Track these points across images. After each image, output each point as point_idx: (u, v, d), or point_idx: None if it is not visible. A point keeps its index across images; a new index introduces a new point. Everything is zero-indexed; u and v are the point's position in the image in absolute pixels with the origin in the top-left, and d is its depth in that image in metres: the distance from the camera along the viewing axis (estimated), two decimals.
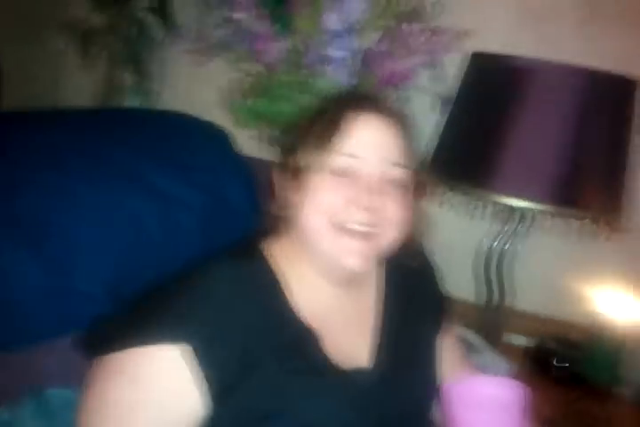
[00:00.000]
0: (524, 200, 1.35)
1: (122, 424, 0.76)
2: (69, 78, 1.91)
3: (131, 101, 1.77)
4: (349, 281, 0.95)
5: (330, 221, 0.87)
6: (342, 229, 0.87)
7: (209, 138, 1.23)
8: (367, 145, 0.89)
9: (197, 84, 1.74)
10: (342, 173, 0.88)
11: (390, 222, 0.89)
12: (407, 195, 0.92)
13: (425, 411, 0.96)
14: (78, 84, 1.86)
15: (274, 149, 1.56)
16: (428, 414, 0.97)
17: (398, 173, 0.90)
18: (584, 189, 1.37)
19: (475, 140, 1.45)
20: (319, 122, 0.91)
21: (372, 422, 0.86)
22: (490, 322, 1.61)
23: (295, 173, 0.90)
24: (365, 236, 0.87)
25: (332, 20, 1.49)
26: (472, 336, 1.49)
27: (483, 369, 1.27)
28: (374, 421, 0.86)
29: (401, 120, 0.94)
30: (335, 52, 1.51)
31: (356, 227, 0.86)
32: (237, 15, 1.53)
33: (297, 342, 0.86)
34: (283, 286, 0.90)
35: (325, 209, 0.87)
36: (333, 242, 0.87)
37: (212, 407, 0.79)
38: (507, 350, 1.54)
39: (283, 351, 0.84)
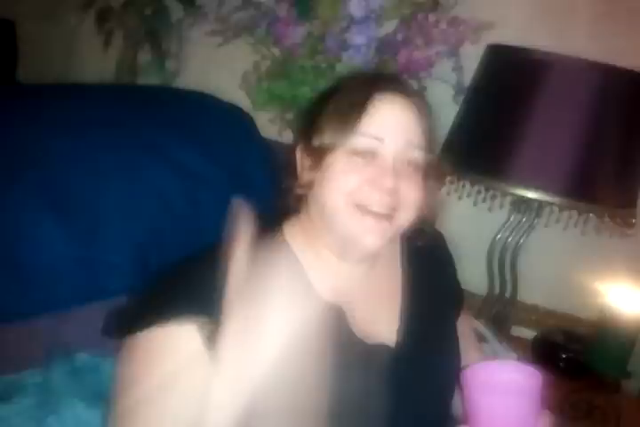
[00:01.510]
0: (537, 192, 1.37)
1: (154, 400, 0.77)
2: (85, 56, 1.93)
3: (147, 80, 1.77)
4: (366, 260, 0.97)
5: (349, 200, 0.89)
6: (361, 208, 0.89)
7: (232, 119, 1.26)
8: (390, 127, 0.90)
9: (215, 66, 1.76)
10: (363, 154, 0.89)
11: (408, 204, 0.91)
12: (425, 178, 0.94)
13: (447, 392, 0.97)
14: (96, 62, 1.87)
15: (291, 132, 1.57)
16: (450, 396, 0.98)
17: (419, 155, 0.92)
18: (598, 183, 1.39)
19: (490, 130, 1.47)
20: (339, 102, 0.92)
21: (395, 397, 0.88)
22: (498, 314, 1.63)
23: (316, 152, 0.92)
24: (384, 216, 0.89)
25: (353, 6, 1.51)
26: (481, 327, 1.50)
27: (491, 359, 1.28)
28: (398, 396, 0.88)
29: (423, 103, 0.96)
30: (354, 37, 1.53)
31: (375, 208, 0.88)
32: None
33: (320, 320, 0.86)
34: (303, 264, 0.92)
35: (346, 189, 0.89)
36: (352, 221, 0.89)
37: None
38: (514, 342, 1.55)
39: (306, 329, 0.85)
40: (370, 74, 1.03)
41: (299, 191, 0.95)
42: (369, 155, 0.89)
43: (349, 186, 0.88)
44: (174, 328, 0.79)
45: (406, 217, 0.91)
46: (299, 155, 0.96)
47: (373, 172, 0.88)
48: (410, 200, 0.90)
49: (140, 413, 0.77)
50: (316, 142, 0.91)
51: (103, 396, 0.84)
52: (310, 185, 0.93)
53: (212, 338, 0.78)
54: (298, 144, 0.97)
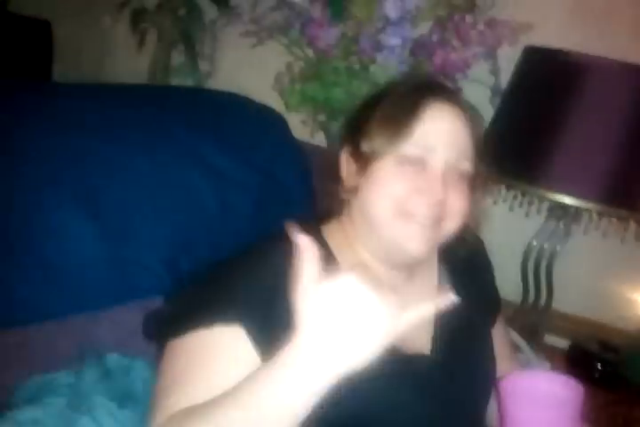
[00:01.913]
0: (575, 198, 1.35)
1: (206, 402, 0.75)
2: (119, 56, 1.95)
3: (180, 81, 1.78)
4: (408, 267, 0.96)
5: (396, 208, 0.88)
6: (407, 216, 0.88)
7: (266, 121, 1.26)
8: (439, 135, 0.89)
9: (249, 67, 1.76)
10: (411, 162, 0.88)
11: (454, 214, 0.90)
12: (472, 188, 0.93)
13: (483, 401, 0.95)
14: (129, 62, 1.89)
15: (323, 134, 1.57)
16: (486, 406, 0.96)
17: (467, 165, 0.91)
18: (636, 190, 1.35)
19: (527, 134, 1.45)
20: (390, 108, 0.91)
21: (430, 408, 0.86)
22: (532, 322, 1.60)
23: (364, 157, 0.91)
24: (429, 225, 0.88)
25: (388, 7, 1.50)
26: (514, 335, 1.48)
27: (524, 368, 1.26)
28: (433, 407, 0.86)
29: (474, 113, 0.95)
30: (389, 39, 1.51)
31: (421, 219, 0.87)
32: None
33: None
34: (341, 268, 0.89)
35: (392, 196, 0.88)
36: (397, 227, 0.88)
37: None
38: (547, 351, 1.52)
39: None
40: (419, 80, 1.02)
41: (343, 196, 0.94)
42: (418, 163, 0.88)
43: (396, 193, 0.87)
44: (222, 330, 0.79)
45: (451, 227, 0.91)
46: (344, 159, 0.96)
47: (422, 181, 0.87)
48: (456, 211, 0.89)
49: (191, 414, 0.76)
50: (363, 148, 0.91)
51: (134, 397, 0.85)
52: (355, 190, 0.92)
53: (259, 341, 0.79)
54: (344, 148, 0.96)
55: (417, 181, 0.87)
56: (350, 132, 0.96)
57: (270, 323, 0.79)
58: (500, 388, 0.81)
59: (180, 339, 0.80)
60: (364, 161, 0.90)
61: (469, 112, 0.93)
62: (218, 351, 0.79)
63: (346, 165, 0.95)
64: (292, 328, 0.80)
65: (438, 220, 0.88)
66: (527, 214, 1.54)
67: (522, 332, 1.53)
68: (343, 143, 0.97)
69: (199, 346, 0.79)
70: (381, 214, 0.88)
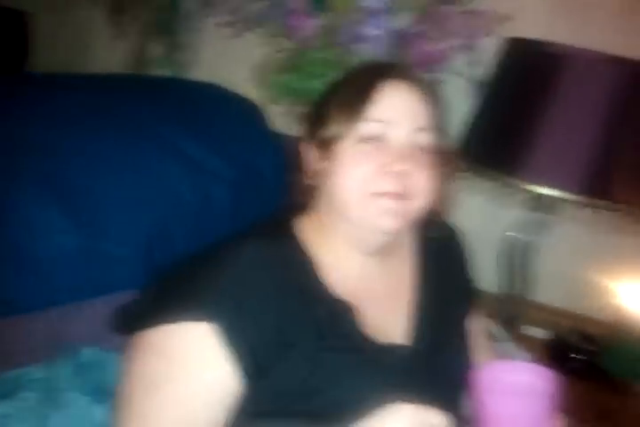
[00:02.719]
0: (552, 189, 1.35)
1: (151, 397, 0.78)
2: (99, 47, 1.93)
3: (158, 72, 1.77)
4: (380, 249, 0.96)
5: (362, 189, 0.88)
6: (375, 195, 0.88)
7: (243, 112, 1.25)
8: (395, 111, 0.90)
9: (229, 58, 1.75)
10: (372, 140, 0.89)
11: (420, 189, 0.90)
12: (435, 164, 0.93)
13: (459, 391, 0.96)
14: (107, 53, 1.88)
15: (301, 124, 1.56)
16: (461, 395, 0.97)
17: (427, 139, 0.91)
18: (614, 181, 1.37)
19: (506, 126, 1.46)
20: (346, 90, 0.92)
21: (406, 397, 0.86)
22: (509, 313, 1.61)
23: (325, 143, 0.91)
24: (398, 195, 0.88)
25: None
26: (492, 326, 1.49)
27: (503, 359, 1.27)
28: (409, 396, 0.87)
29: (428, 87, 0.95)
30: (369, 30, 1.51)
31: (389, 195, 0.88)
32: None
33: (333, 318, 0.87)
34: (314, 261, 0.91)
35: (357, 178, 0.88)
36: (366, 206, 0.88)
37: (247, 385, 0.81)
38: (526, 342, 1.54)
39: (319, 328, 0.85)
40: (375, 63, 1.03)
41: (308, 183, 0.95)
42: (377, 141, 0.89)
43: (361, 174, 0.88)
44: (189, 326, 0.79)
45: (420, 200, 0.91)
46: (306, 146, 0.96)
47: (383, 157, 0.88)
48: (421, 185, 0.90)
49: (155, 410, 0.77)
50: (323, 133, 0.91)
51: (108, 391, 0.84)
52: (320, 176, 0.93)
53: (229, 337, 0.79)
54: (305, 136, 0.96)
55: (379, 158, 0.88)
56: (311, 120, 0.96)
57: (241, 319, 0.79)
58: (474, 377, 0.81)
59: (149, 333, 0.80)
60: (325, 146, 0.91)
61: (426, 88, 0.93)
62: (187, 351, 0.79)
63: (308, 152, 0.95)
64: (265, 325, 0.81)
65: (406, 194, 0.88)
66: (505, 205, 1.55)
67: (501, 323, 1.54)
68: (305, 131, 0.97)
69: (168, 344, 0.79)
70: (349, 196, 0.89)
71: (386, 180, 0.87)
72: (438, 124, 0.94)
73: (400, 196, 0.88)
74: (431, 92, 0.94)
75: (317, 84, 1.50)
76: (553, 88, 1.36)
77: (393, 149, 0.88)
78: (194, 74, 1.79)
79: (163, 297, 0.83)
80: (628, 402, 1.43)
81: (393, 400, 0.84)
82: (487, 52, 1.54)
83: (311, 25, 1.51)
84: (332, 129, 0.90)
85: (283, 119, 1.54)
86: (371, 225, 0.90)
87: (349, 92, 0.91)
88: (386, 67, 0.96)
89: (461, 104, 1.54)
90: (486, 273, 1.56)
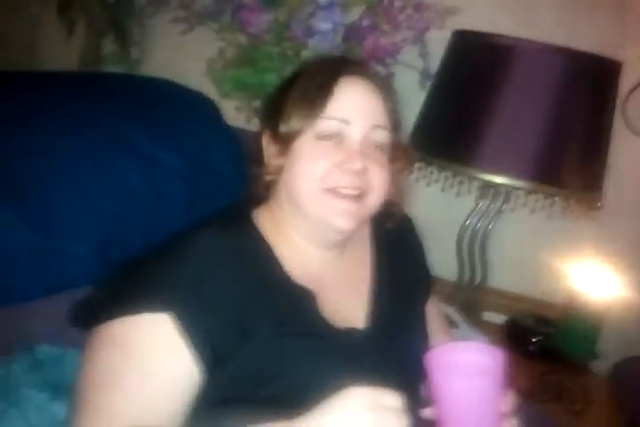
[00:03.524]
0: (503, 177, 1.39)
1: (110, 389, 0.78)
2: (48, 44, 1.90)
3: (111, 69, 1.76)
4: (338, 244, 0.98)
5: (319, 185, 0.89)
6: (332, 192, 0.90)
7: (197, 107, 1.26)
8: (355, 109, 0.91)
9: (182, 53, 1.75)
10: (329, 137, 0.90)
11: (377, 185, 0.92)
12: (391, 158, 0.95)
13: (417, 375, 0.99)
14: (56, 50, 1.86)
15: (259, 118, 1.57)
16: (420, 379, 1.00)
17: (385, 137, 0.93)
18: (563, 168, 1.42)
19: (456, 116, 1.49)
20: (304, 86, 0.93)
21: (364, 381, 0.88)
22: (468, 299, 1.65)
23: (283, 138, 0.92)
24: (354, 197, 0.90)
25: None
26: (451, 312, 1.53)
27: (461, 341, 1.30)
28: (366, 380, 0.89)
29: (386, 86, 0.97)
30: (320, 24, 1.53)
31: (345, 190, 0.89)
32: None
33: (292, 304, 0.88)
34: (272, 251, 0.92)
35: (315, 174, 0.90)
36: (323, 204, 0.90)
37: (207, 374, 0.81)
38: (485, 327, 1.58)
39: (279, 315, 0.86)
40: (333, 58, 1.04)
41: (267, 178, 0.95)
42: (335, 138, 0.90)
43: (318, 171, 0.89)
44: (147, 318, 0.79)
45: (375, 198, 0.93)
46: (265, 141, 0.96)
47: (341, 155, 0.89)
48: (378, 181, 0.92)
49: (114, 403, 0.77)
50: (282, 128, 0.92)
51: (66, 387, 0.84)
52: (278, 171, 0.93)
53: (187, 328, 0.79)
54: (263, 131, 0.97)
55: (336, 156, 0.89)
56: (268, 115, 0.97)
57: (199, 308, 0.80)
58: (426, 358, 0.84)
59: (107, 326, 0.80)
60: (283, 142, 0.92)
61: (382, 85, 0.95)
62: (145, 342, 0.79)
63: (267, 147, 0.96)
64: (223, 313, 0.82)
65: (361, 192, 0.90)
66: (458, 194, 1.59)
67: (459, 308, 1.58)
68: (262, 126, 0.98)
69: (126, 336, 0.79)
70: (306, 193, 0.90)
71: (343, 177, 0.89)
72: (394, 119, 0.96)
73: (356, 197, 0.90)
74: (387, 88, 0.96)
75: (271, 78, 1.52)
76: (501, 78, 1.40)
77: (350, 146, 0.90)
78: (147, 70, 1.78)
79: (119, 290, 0.84)
80: (583, 381, 1.48)
81: (351, 384, 0.86)
82: (437, 44, 1.57)
83: (263, 19, 1.52)
84: (289, 125, 0.91)
85: (237, 113, 1.56)
86: (326, 223, 0.91)
87: (307, 88, 0.92)
88: (342, 63, 0.96)
89: (413, 96, 1.57)
90: (444, 261, 1.61)
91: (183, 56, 1.73)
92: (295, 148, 0.91)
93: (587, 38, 1.50)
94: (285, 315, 0.87)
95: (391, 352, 0.95)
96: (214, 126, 1.26)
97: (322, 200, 0.89)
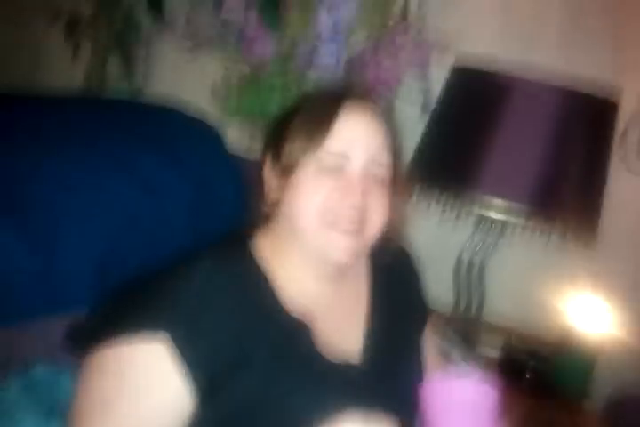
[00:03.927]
0: (499, 210, 1.41)
1: (103, 416, 0.78)
2: (53, 66, 1.92)
3: (115, 92, 1.78)
4: (335, 276, 0.99)
5: (318, 218, 0.90)
6: (330, 225, 0.90)
7: (201, 134, 1.28)
8: (352, 143, 0.92)
9: (185, 79, 1.78)
10: (329, 171, 0.91)
11: (376, 220, 0.93)
12: (390, 193, 0.96)
13: (412, 407, 0.99)
14: (61, 71, 1.88)
15: (260, 146, 1.60)
16: (414, 412, 1.00)
17: (384, 171, 0.95)
18: (560, 203, 1.44)
19: (453, 150, 1.52)
20: (305, 118, 0.94)
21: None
22: (463, 332, 1.65)
23: (282, 170, 0.93)
24: (352, 231, 0.91)
25: (321, 25, 1.54)
26: (446, 345, 1.52)
27: (456, 374, 1.29)
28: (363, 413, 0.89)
29: (385, 118, 0.98)
30: (323, 57, 1.55)
31: (344, 224, 0.90)
32: (227, 14, 1.56)
33: (288, 336, 0.89)
34: (270, 280, 0.93)
35: (314, 207, 0.90)
36: (321, 237, 0.91)
37: (200, 402, 0.81)
38: (478, 358, 1.58)
39: (273, 346, 0.86)
40: (333, 91, 1.05)
41: (267, 208, 0.96)
42: (335, 172, 0.91)
43: (318, 204, 0.90)
44: (142, 343, 0.79)
45: (374, 232, 0.94)
46: (266, 172, 0.97)
47: (341, 189, 0.90)
48: (377, 216, 0.93)
49: None
50: (282, 160, 0.93)
51: (61, 410, 0.83)
52: (278, 202, 0.94)
53: (183, 355, 0.79)
54: (264, 161, 0.98)
55: (336, 189, 0.90)
56: (269, 145, 0.98)
57: (195, 335, 0.80)
58: (420, 393, 0.84)
59: (101, 350, 0.80)
60: (284, 173, 0.93)
61: (383, 119, 0.96)
62: (139, 368, 0.79)
63: (267, 178, 0.97)
64: (219, 341, 0.82)
65: (360, 225, 0.91)
66: (457, 224, 1.60)
67: (454, 341, 1.58)
68: (263, 157, 0.98)
69: (120, 361, 0.80)
70: (305, 225, 0.91)
71: (342, 211, 0.90)
72: (394, 153, 0.97)
73: (354, 231, 0.91)
74: (387, 122, 0.97)
75: (273, 107, 1.54)
76: (497, 114, 1.43)
77: (350, 180, 0.91)
78: (150, 95, 1.81)
79: (115, 314, 0.84)
80: (576, 418, 1.48)
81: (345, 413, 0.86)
82: (437, 78, 1.61)
83: (266, 49, 1.55)
84: (290, 158, 0.92)
85: (239, 140, 1.58)
86: (324, 256, 0.92)
87: (307, 121, 0.92)
88: (343, 95, 0.97)
89: (412, 129, 1.60)
90: (441, 292, 1.61)
91: (187, 82, 1.76)
92: (295, 180, 0.92)
93: (585, 68, 1.54)
94: (280, 347, 0.87)
95: (386, 385, 0.96)
96: (216, 153, 1.28)
97: (320, 233, 0.90)
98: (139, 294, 0.85)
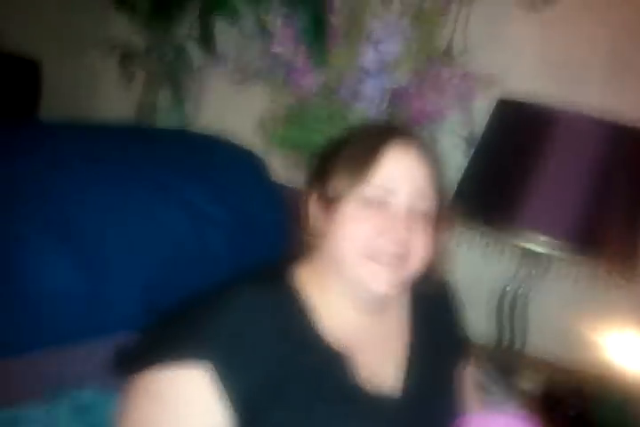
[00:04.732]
0: (544, 245, 1.40)
1: None
2: (107, 96, 2.00)
3: (165, 122, 1.84)
4: (376, 308, 1.00)
5: (361, 251, 0.92)
6: (373, 258, 0.92)
7: (245, 163, 1.31)
8: (401, 178, 0.94)
9: (233, 110, 1.83)
10: (374, 204, 0.93)
11: (418, 254, 0.94)
12: (434, 226, 0.97)
13: None
14: (114, 102, 1.96)
15: (303, 178, 1.63)
16: None
17: (429, 206, 0.96)
18: (601, 238, 1.43)
19: (498, 183, 1.52)
20: (352, 151, 0.96)
21: None
22: (502, 365, 1.63)
23: (328, 201, 0.96)
24: (395, 264, 0.92)
25: (367, 59, 1.58)
26: (484, 377, 1.51)
27: (495, 409, 1.28)
28: None
29: (431, 153, 1.00)
30: (367, 89, 1.59)
31: (386, 258, 0.92)
32: (277, 48, 1.61)
33: (326, 366, 0.90)
34: (309, 311, 0.94)
35: (357, 240, 0.92)
36: (364, 270, 0.92)
37: None
38: (519, 394, 1.56)
39: (312, 377, 0.87)
40: (381, 125, 1.07)
41: (309, 240, 0.99)
42: (380, 205, 0.93)
43: (361, 237, 0.92)
44: (184, 371, 0.81)
45: (415, 266, 0.95)
46: (310, 203, 1.00)
47: (385, 222, 0.92)
48: (419, 250, 0.94)
49: None
50: (327, 192, 0.95)
51: None
52: (322, 233, 0.96)
53: (224, 383, 0.81)
54: (309, 192, 1.00)
55: (380, 223, 0.92)
56: (315, 177, 1.00)
57: (236, 364, 0.82)
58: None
59: (145, 375, 0.82)
60: (328, 205, 0.95)
61: (428, 153, 0.98)
62: (180, 395, 0.81)
63: (312, 208, 0.99)
64: (259, 371, 0.84)
65: (402, 259, 0.92)
66: (500, 259, 1.60)
67: (493, 375, 1.56)
68: (309, 188, 1.01)
69: (162, 387, 0.81)
70: (347, 257, 0.92)
71: (385, 244, 0.91)
72: (439, 188, 0.98)
73: (397, 264, 0.92)
74: (432, 157, 0.99)
75: (317, 138, 1.57)
76: (542, 148, 1.43)
77: (394, 214, 0.92)
78: (199, 123, 1.87)
79: (160, 340, 0.86)
80: None
81: None
82: (481, 111, 1.62)
83: (313, 82, 1.59)
84: (335, 190, 0.94)
85: (283, 170, 1.61)
86: (364, 287, 0.93)
87: (354, 155, 0.95)
88: (390, 131, 0.99)
89: (456, 161, 1.61)
90: (480, 325, 1.60)
91: (235, 113, 1.80)
92: (340, 211, 0.94)
93: (629, 106, 1.53)
94: (319, 378, 0.88)
95: (422, 419, 0.96)
96: (259, 182, 1.31)
97: (363, 265, 0.92)
98: (182, 321, 0.87)
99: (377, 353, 0.98)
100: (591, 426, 1.51)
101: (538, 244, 1.40)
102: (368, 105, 1.56)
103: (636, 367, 1.39)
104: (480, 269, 1.71)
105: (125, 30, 1.86)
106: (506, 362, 1.64)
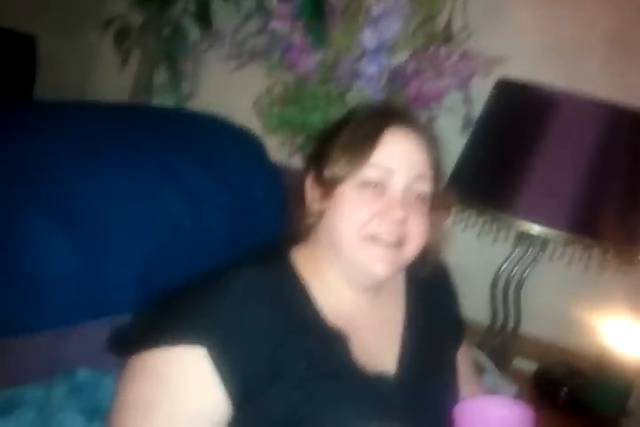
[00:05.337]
0: (541, 227, 1.40)
1: (142, 421, 0.80)
2: (102, 73, 1.98)
3: (161, 100, 1.82)
4: (373, 289, 1.00)
5: (360, 232, 0.92)
6: (371, 239, 0.92)
7: (243, 143, 1.30)
8: (397, 159, 0.94)
9: (229, 89, 1.81)
10: (371, 185, 0.93)
11: (416, 235, 0.95)
12: (431, 208, 0.98)
13: (443, 423, 0.99)
14: (110, 79, 1.94)
15: (300, 157, 1.62)
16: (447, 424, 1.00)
17: (425, 187, 0.96)
18: (601, 220, 1.42)
19: (496, 163, 1.52)
20: (351, 134, 0.96)
21: (392, 425, 0.90)
22: (499, 345, 1.65)
23: (327, 182, 0.96)
24: (392, 245, 0.93)
25: (366, 37, 1.56)
26: (481, 358, 1.52)
27: (490, 391, 1.30)
28: (395, 425, 0.90)
29: (429, 135, 1.00)
30: (366, 67, 1.57)
31: (385, 239, 0.92)
32: (274, 25, 1.58)
33: (324, 346, 0.90)
34: (308, 291, 0.95)
35: (356, 221, 0.92)
36: (361, 250, 0.93)
37: (237, 411, 0.83)
38: (514, 375, 1.57)
39: (310, 356, 0.88)
40: (381, 107, 1.07)
41: (308, 221, 0.99)
42: (378, 186, 0.93)
43: (359, 218, 0.92)
44: (182, 350, 0.82)
45: (414, 247, 0.95)
46: (309, 184, 1.00)
47: (383, 203, 0.92)
48: (417, 231, 0.94)
49: None
50: (326, 173, 0.95)
51: (103, 412, 0.86)
52: (320, 215, 0.96)
53: (221, 363, 0.81)
54: (308, 173, 1.01)
55: (378, 204, 0.92)
56: (314, 158, 1.00)
57: (234, 344, 0.83)
58: (456, 411, 0.84)
59: (142, 355, 0.83)
60: (327, 186, 0.95)
61: (427, 136, 0.98)
62: (178, 375, 0.82)
63: (310, 190, 0.99)
64: (257, 351, 0.84)
65: (400, 241, 0.93)
66: (495, 240, 1.60)
67: (490, 355, 1.58)
68: (307, 169, 1.01)
69: (160, 367, 0.82)
70: (346, 238, 0.93)
71: (383, 225, 0.91)
72: (437, 170, 0.98)
73: (394, 245, 0.92)
74: (431, 139, 0.99)
75: (315, 117, 1.56)
76: (542, 129, 1.42)
77: (392, 195, 0.93)
78: (196, 103, 1.85)
79: (158, 321, 0.86)
80: None
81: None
82: (480, 91, 1.60)
83: (310, 60, 1.57)
84: (334, 172, 0.94)
85: (281, 149, 1.60)
86: (363, 269, 0.94)
87: (353, 136, 0.95)
88: (389, 113, 0.99)
89: (454, 141, 1.60)
90: (477, 306, 1.61)
91: (232, 92, 1.79)
92: (338, 193, 0.94)
93: (632, 90, 1.52)
94: (317, 357, 0.88)
95: (419, 399, 0.96)
96: (258, 163, 1.30)
97: (361, 246, 0.92)
98: (179, 302, 0.88)
99: (374, 334, 0.99)
100: (586, 406, 1.52)
101: (535, 225, 1.40)
102: (366, 84, 1.54)
103: (630, 349, 1.40)
104: (475, 252, 1.71)
105: (122, 5, 1.83)
106: (500, 343, 1.65)
